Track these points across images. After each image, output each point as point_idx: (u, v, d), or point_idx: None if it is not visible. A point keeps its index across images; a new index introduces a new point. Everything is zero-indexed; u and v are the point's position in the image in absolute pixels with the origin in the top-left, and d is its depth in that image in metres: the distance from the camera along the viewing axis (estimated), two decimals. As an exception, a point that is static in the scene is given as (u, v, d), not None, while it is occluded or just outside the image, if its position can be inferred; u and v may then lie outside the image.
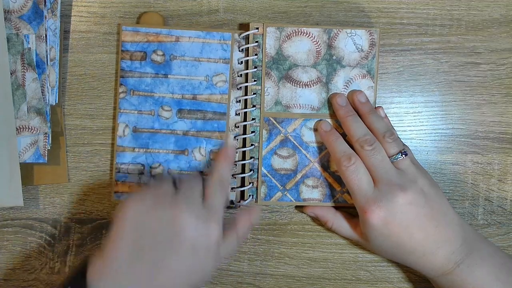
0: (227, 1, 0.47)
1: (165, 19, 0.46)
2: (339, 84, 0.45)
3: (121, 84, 0.45)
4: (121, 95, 0.45)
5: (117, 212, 0.38)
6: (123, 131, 0.45)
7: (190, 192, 0.39)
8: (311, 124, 0.45)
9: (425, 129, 0.47)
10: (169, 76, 0.46)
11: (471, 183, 0.47)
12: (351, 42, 0.45)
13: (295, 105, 0.46)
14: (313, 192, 0.45)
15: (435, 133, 0.47)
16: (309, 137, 0.46)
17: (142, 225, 0.37)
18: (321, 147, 0.45)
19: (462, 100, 0.47)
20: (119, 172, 0.45)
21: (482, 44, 0.47)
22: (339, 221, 0.45)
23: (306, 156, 0.45)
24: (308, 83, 0.46)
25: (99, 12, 0.47)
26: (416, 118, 0.47)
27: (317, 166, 0.45)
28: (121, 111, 0.45)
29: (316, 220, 0.46)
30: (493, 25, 0.47)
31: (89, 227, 0.46)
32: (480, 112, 0.47)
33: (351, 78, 0.45)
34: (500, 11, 0.47)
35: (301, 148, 0.46)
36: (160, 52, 0.45)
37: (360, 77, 0.45)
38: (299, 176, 0.45)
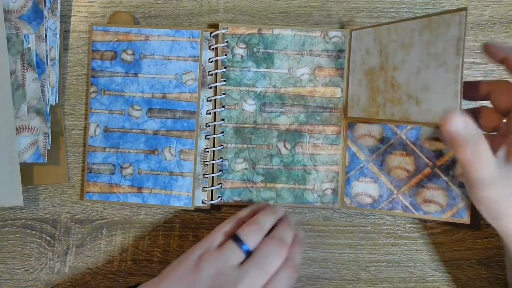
0: (227, 1, 0.47)
1: (135, 18, 0.46)
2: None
3: (92, 84, 0.45)
4: (92, 95, 0.45)
5: (186, 253, 0.38)
6: (94, 131, 0.45)
7: (257, 272, 0.37)
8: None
9: (425, 129, 0.47)
10: (139, 75, 0.45)
11: (471, 183, 0.47)
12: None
13: None
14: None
15: (435, 133, 0.47)
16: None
17: (197, 275, 0.37)
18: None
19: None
20: (90, 172, 0.45)
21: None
22: None
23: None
24: None
25: (99, 12, 0.47)
26: (416, 118, 0.47)
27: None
28: (92, 111, 0.45)
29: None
30: (493, 25, 0.47)
31: (89, 227, 0.46)
32: (480, 112, 0.47)
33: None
34: (500, 11, 0.47)
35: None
36: (130, 51, 0.45)
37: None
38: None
